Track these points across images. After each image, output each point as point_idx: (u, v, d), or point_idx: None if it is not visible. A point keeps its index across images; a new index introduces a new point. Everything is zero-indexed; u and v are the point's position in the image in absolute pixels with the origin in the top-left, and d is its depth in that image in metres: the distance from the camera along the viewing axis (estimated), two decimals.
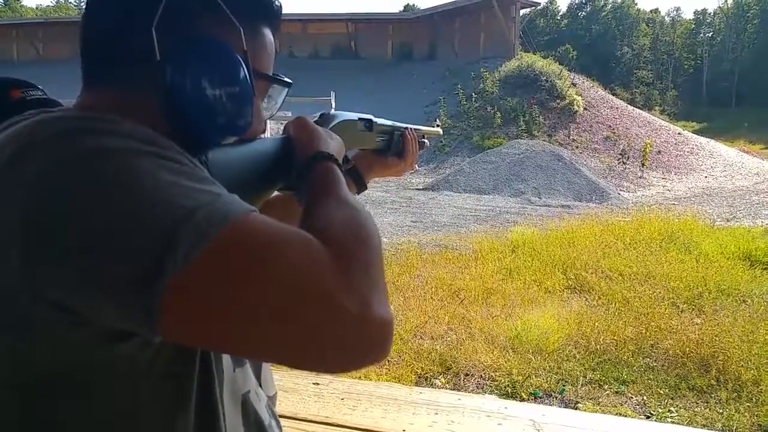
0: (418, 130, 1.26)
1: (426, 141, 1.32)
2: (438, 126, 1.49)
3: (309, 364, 0.55)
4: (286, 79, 0.78)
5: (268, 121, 0.85)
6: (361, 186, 1.12)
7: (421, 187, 14.79)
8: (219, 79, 0.64)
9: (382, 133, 1.14)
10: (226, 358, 0.71)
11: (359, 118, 1.06)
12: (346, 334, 0.51)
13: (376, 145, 1.14)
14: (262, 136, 0.81)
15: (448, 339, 4.31)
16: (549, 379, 3.75)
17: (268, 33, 0.74)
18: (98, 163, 0.51)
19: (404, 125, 1.20)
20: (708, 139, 22.89)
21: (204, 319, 0.50)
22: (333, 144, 0.81)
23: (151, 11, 0.60)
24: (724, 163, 19.01)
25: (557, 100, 20.42)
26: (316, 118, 0.96)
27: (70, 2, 73.37)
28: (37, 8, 67.02)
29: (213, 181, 0.57)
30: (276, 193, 0.87)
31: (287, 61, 25.10)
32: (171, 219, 0.49)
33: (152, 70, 0.62)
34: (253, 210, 0.55)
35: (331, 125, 0.97)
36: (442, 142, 19.48)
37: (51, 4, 71.07)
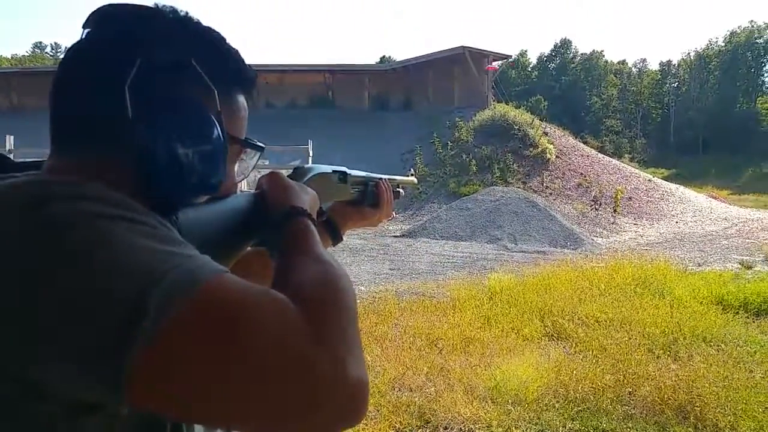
0: (393, 179, 1.27)
1: (401, 190, 1.33)
2: (412, 175, 1.50)
3: (285, 430, 0.53)
4: (259, 144, 0.78)
5: (241, 184, 0.86)
6: (336, 238, 1.11)
7: (398, 234, 14.82)
8: (192, 138, 0.64)
9: (356, 185, 1.15)
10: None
11: (333, 171, 1.07)
12: (321, 397, 0.50)
13: (350, 197, 1.14)
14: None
15: (427, 391, 4.26)
16: (528, 430, 3.71)
17: (241, 99, 0.75)
18: (64, 232, 0.50)
19: (378, 176, 1.21)
20: (677, 186, 23.45)
21: (173, 389, 0.48)
22: (307, 198, 0.81)
23: (124, 71, 0.60)
24: (694, 209, 19.45)
25: (530, 149, 20.84)
26: (290, 172, 0.97)
27: (46, 52, 73.67)
28: (12, 57, 66.99)
29: (183, 243, 0.56)
30: (250, 248, 0.86)
31: (265, 111, 25.33)
32: (139, 286, 0.48)
33: (124, 131, 0.61)
34: (224, 271, 0.54)
35: (306, 178, 0.98)
36: (419, 189, 19.65)
37: (26, 54, 71.22)
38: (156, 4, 0.67)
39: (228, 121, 0.69)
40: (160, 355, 0.47)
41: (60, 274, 0.48)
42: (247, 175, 0.83)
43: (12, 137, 17.93)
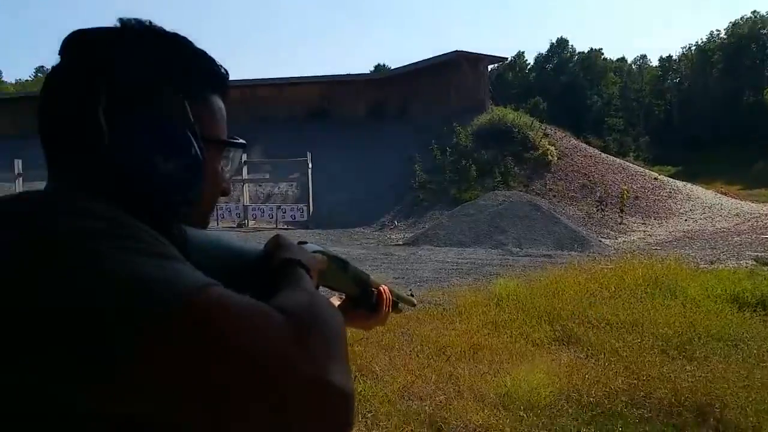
0: (393, 291, 1.24)
1: (399, 304, 1.28)
2: (412, 296, 1.43)
3: None
4: (239, 141, 0.79)
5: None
6: None
7: (401, 243, 14.74)
8: (168, 155, 0.66)
9: (356, 280, 1.11)
10: None
11: (335, 257, 1.04)
12: (307, 404, 0.51)
13: (349, 290, 1.10)
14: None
15: (437, 398, 4.15)
16: None
17: (216, 99, 0.75)
18: (58, 249, 0.52)
19: (380, 283, 1.18)
20: (685, 183, 23.31)
21: (162, 396, 0.49)
22: (309, 257, 0.82)
23: (96, 98, 0.63)
24: (703, 206, 19.31)
25: (531, 151, 20.79)
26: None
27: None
28: (16, 83, 67.48)
29: (176, 257, 0.57)
30: None
31: (262, 124, 25.34)
32: (126, 296, 0.49)
33: (102, 152, 0.63)
34: (214, 283, 0.55)
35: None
36: (420, 197, 19.60)
37: (30, 78, 71.63)
38: (120, 20, 0.68)
39: (206, 123, 0.71)
40: (149, 363, 0.49)
41: (57, 290, 0.50)
42: (233, 173, 0.84)
43: (20, 161, 17.97)
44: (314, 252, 0.95)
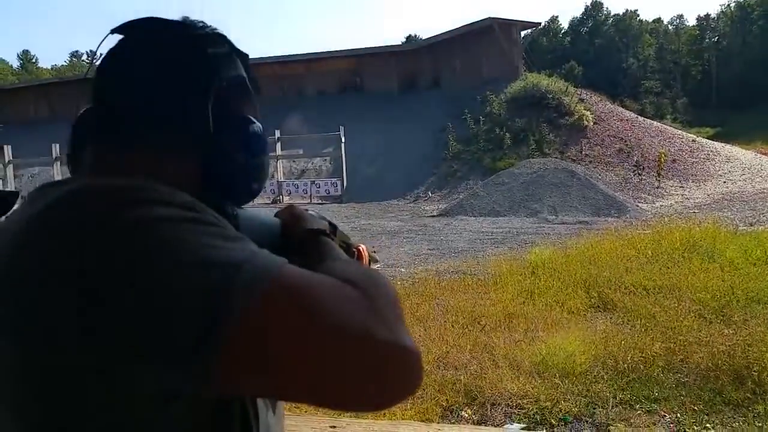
0: (366, 248, 1.33)
1: (371, 264, 1.37)
2: (375, 252, 1.59)
3: (357, 401, 0.57)
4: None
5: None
6: None
7: (435, 214, 14.75)
8: (250, 150, 0.76)
9: (343, 242, 1.20)
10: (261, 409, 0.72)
11: (329, 222, 1.10)
12: (383, 365, 0.54)
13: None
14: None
15: (472, 368, 4.22)
16: (578, 402, 3.64)
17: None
18: (142, 236, 0.54)
19: (357, 244, 1.26)
20: (723, 144, 22.65)
21: (261, 369, 0.52)
22: (323, 224, 0.87)
23: (206, 88, 0.69)
24: (742, 167, 18.76)
25: (566, 117, 20.40)
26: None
27: (84, 60, 75.44)
28: (52, 68, 68.77)
29: (245, 239, 0.60)
30: None
31: (295, 100, 25.41)
32: (219, 278, 0.52)
33: (200, 138, 0.69)
34: (286, 261, 0.58)
35: None
36: (453, 167, 19.50)
37: (65, 64, 73.01)
38: (185, 18, 0.73)
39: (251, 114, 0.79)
40: (247, 337, 0.51)
41: (146, 275, 0.52)
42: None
43: (57, 145, 18.42)
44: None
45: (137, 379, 0.53)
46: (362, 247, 1.25)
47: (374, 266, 1.37)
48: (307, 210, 0.97)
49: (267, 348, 0.52)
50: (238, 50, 0.78)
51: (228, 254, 0.54)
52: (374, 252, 1.52)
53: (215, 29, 0.75)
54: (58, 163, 20.67)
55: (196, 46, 0.71)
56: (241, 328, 0.51)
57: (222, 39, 0.75)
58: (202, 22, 0.75)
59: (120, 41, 0.72)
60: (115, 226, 0.55)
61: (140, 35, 0.72)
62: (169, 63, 0.70)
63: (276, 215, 0.90)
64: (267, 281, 0.53)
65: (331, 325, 0.53)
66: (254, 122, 0.77)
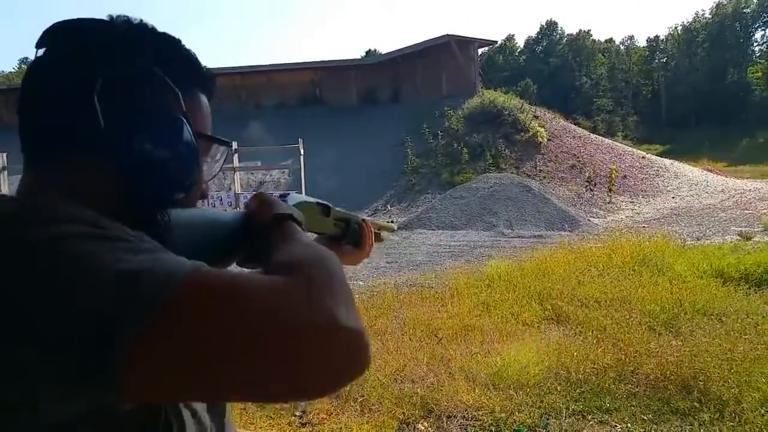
0: (374, 223, 1.32)
1: (381, 234, 1.37)
2: (392, 222, 1.53)
3: (290, 392, 0.55)
4: (225, 139, 0.81)
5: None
6: None
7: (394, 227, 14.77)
8: (164, 140, 0.67)
9: (338, 220, 1.17)
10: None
11: (317, 203, 1.09)
12: (318, 350, 0.52)
13: (332, 231, 1.16)
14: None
15: (429, 381, 4.22)
16: (532, 414, 3.68)
17: (203, 97, 0.78)
18: (44, 256, 0.52)
19: (361, 217, 1.25)
20: (672, 161, 23.44)
21: (179, 372, 0.50)
22: (293, 212, 0.84)
23: (91, 84, 0.62)
24: (690, 183, 19.45)
25: (521, 133, 20.81)
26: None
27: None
28: (0, 74, 66.56)
29: (159, 249, 0.58)
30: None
31: (254, 111, 25.21)
32: (117, 291, 0.50)
33: (98, 140, 0.63)
34: (201, 265, 0.56)
35: (291, 204, 1.00)
36: (412, 181, 19.63)
37: (14, 70, 70.70)
38: (110, 16, 0.69)
39: (193, 119, 0.71)
40: (152, 348, 0.50)
41: (44, 296, 0.50)
42: (217, 173, 0.85)
43: (5, 154, 17.80)
44: (298, 202, 1.01)
45: (41, 405, 0.51)
46: (366, 221, 1.25)
47: (389, 235, 1.37)
48: (286, 194, 0.97)
49: (180, 352, 0.50)
50: (163, 42, 0.72)
51: (129, 267, 0.52)
52: (391, 222, 1.50)
53: (127, 19, 0.70)
54: (6, 172, 19.96)
55: (79, 39, 0.66)
56: (144, 337, 0.49)
57: (135, 29, 0.69)
58: (119, 16, 0.70)
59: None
60: (14, 248, 0.53)
61: (44, 43, 0.67)
62: (54, 65, 0.66)
63: (245, 204, 0.87)
64: (171, 287, 0.52)
65: (249, 319, 0.52)
66: (159, 110, 0.67)
